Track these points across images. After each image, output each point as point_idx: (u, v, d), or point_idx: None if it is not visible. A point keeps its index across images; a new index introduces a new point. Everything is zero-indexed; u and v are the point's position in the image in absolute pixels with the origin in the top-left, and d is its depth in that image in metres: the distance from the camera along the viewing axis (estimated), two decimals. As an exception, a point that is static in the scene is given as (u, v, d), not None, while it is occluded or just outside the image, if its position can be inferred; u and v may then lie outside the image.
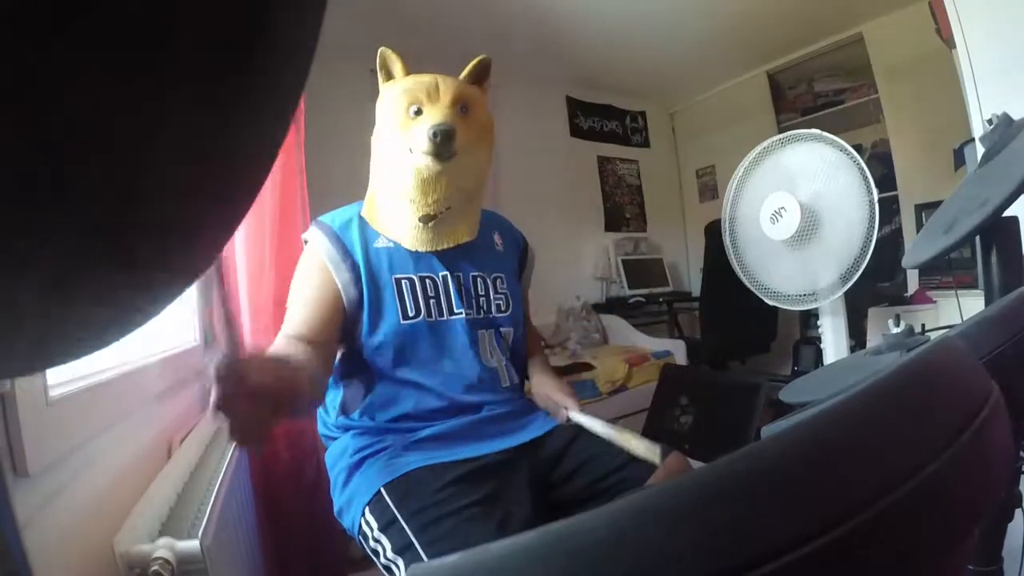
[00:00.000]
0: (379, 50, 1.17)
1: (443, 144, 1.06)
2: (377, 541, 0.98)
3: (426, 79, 1.14)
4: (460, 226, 1.21)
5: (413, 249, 1.18)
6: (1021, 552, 0.88)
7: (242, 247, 1.56)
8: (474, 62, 1.22)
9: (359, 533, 1.02)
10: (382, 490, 1.00)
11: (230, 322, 0.61)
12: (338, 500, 1.10)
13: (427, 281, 1.18)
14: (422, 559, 0.89)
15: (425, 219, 1.14)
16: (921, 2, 3.12)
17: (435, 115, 1.09)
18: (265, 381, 0.70)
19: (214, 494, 0.95)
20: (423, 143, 1.07)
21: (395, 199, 1.16)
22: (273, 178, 1.64)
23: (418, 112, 1.11)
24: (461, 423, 1.13)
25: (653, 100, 4.95)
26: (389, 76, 1.19)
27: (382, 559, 0.97)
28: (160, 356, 1.23)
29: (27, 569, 0.30)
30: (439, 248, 1.19)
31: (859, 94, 3.85)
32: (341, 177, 2.03)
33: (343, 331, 1.14)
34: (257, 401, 0.69)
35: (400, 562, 0.93)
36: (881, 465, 0.26)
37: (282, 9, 0.21)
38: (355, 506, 1.03)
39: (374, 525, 0.99)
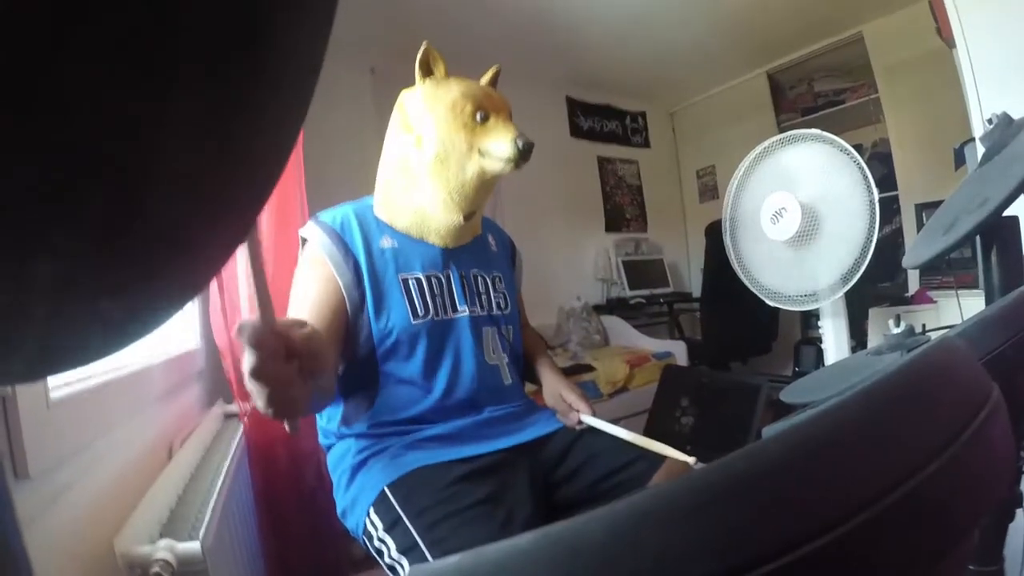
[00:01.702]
0: (423, 44, 1.18)
1: (527, 154, 1.14)
2: (382, 541, 0.98)
3: (475, 86, 1.20)
4: (477, 222, 1.29)
5: (443, 245, 1.22)
6: (1022, 552, 0.88)
7: (242, 252, 1.55)
8: (493, 71, 1.30)
9: (364, 533, 1.02)
10: (386, 489, 1.00)
11: (262, 290, 0.60)
12: (341, 501, 1.10)
13: (432, 280, 1.19)
14: (427, 559, 0.89)
15: (468, 216, 1.20)
16: (921, 2, 3.12)
17: (509, 125, 1.17)
18: (299, 342, 0.68)
19: (215, 495, 0.95)
20: (506, 150, 1.13)
21: (429, 194, 1.17)
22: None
23: (484, 119, 1.16)
24: (463, 423, 1.14)
25: (653, 100, 4.95)
26: (427, 72, 1.20)
27: (386, 559, 0.97)
28: (161, 358, 1.23)
29: (29, 571, 0.30)
30: (464, 243, 1.25)
31: (859, 94, 3.86)
32: (340, 176, 2.04)
33: (345, 336, 1.13)
34: (292, 366, 0.67)
35: (405, 562, 0.93)
36: (881, 465, 0.26)
37: (283, 9, 0.21)
38: (360, 506, 1.03)
39: (379, 525, 0.99)
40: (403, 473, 1.02)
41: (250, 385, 0.66)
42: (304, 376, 0.69)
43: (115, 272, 0.20)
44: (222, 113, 0.21)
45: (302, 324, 0.72)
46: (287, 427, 0.72)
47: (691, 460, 0.99)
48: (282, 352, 0.65)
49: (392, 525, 0.97)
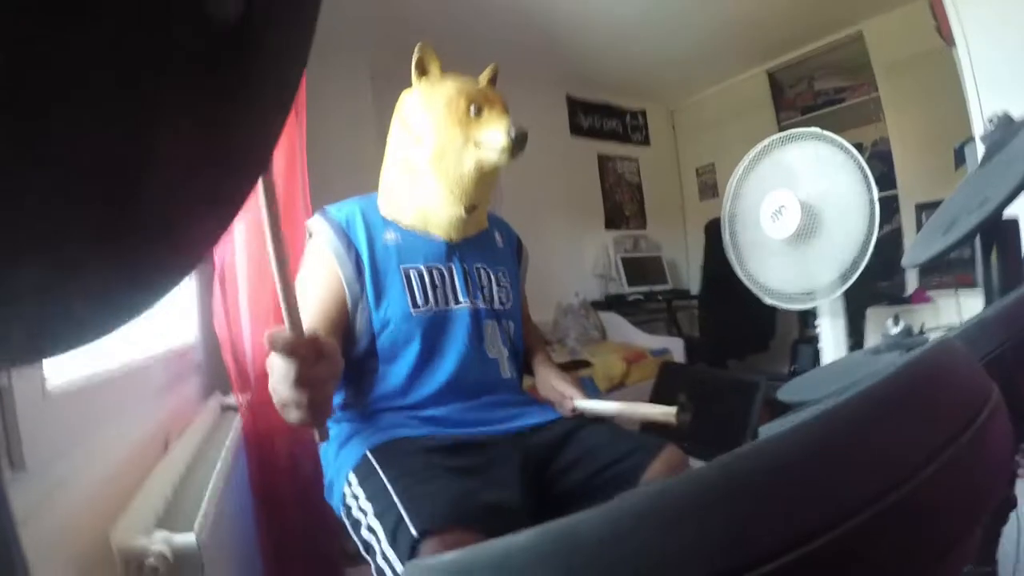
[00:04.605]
0: (418, 45, 1.22)
1: (521, 143, 1.16)
2: (355, 497, 0.97)
3: (469, 82, 1.23)
4: (482, 216, 1.31)
5: (447, 238, 1.24)
6: (1014, 553, 0.88)
7: (243, 245, 1.56)
8: (490, 69, 1.32)
9: (343, 504, 1.01)
10: (368, 453, 1.01)
11: (291, 300, 0.64)
12: (328, 474, 1.11)
13: (434, 271, 1.21)
14: (398, 509, 0.87)
15: (470, 209, 1.22)
16: (921, 0, 3.11)
17: (503, 117, 1.19)
18: (325, 346, 0.72)
19: (211, 488, 0.95)
20: (500, 140, 1.15)
21: (431, 190, 1.20)
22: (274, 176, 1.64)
23: (479, 112, 1.18)
24: (457, 407, 1.15)
25: (653, 98, 4.94)
26: (423, 72, 1.23)
27: (354, 513, 0.96)
28: (158, 352, 1.23)
29: (23, 563, 0.30)
30: (469, 235, 1.27)
31: (859, 93, 3.85)
32: (342, 174, 2.03)
33: (346, 327, 1.15)
34: (326, 371, 0.72)
35: (370, 509, 0.92)
36: (881, 466, 0.26)
37: (271, 5, 0.21)
38: (341, 475, 1.04)
39: (353, 481, 0.99)
40: (386, 439, 1.03)
41: (289, 394, 0.70)
42: (331, 378, 0.74)
43: (108, 258, 0.21)
44: (214, 106, 0.21)
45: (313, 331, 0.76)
46: (318, 435, 0.77)
47: (672, 411, 1.05)
48: (314, 357, 0.70)
49: (366, 478, 0.97)
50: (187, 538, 0.76)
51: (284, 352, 0.66)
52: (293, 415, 0.74)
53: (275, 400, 0.76)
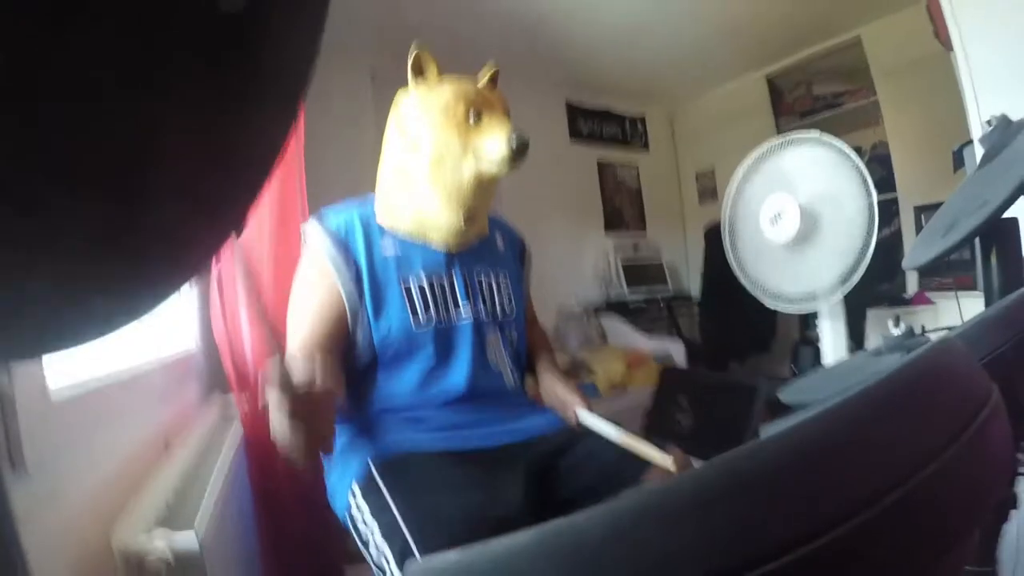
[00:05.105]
0: (414, 48, 1.17)
1: (522, 153, 1.12)
2: (359, 510, 0.97)
3: (468, 86, 1.18)
4: (482, 224, 1.27)
5: (447, 248, 1.20)
6: (1015, 552, 0.88)
7: (240, 251, 1.56)
8: (490, 71, 1.27)
9: (348, 515, 1.01)
10: (370, 463, 1.00)
11: (275, 338, 0.67)
12: (330, 482, 1.10)
13: (435, 284, 1.18)
14: (403, 533, 0.88)
15: (469, 219, 1.19)
16: (918, 5, 3.11)
17: (504, 124, 1.15)
18: (319, 384, 0.74)
19: (212, 489, 0.95)
20: (501, 148, 1.12)
21: (429, 198, 1.17)
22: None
23: (478, 118, 1.14)
24: (461, 418, 1.14)
25: (652, 103, 4.94)
26: (419, 74, 1.19)
27: (359, 526, 0.97)
28: (159, 357, 1.23)
29: (24, 562, 0.30)
30: (469, 245, 1.24)
31: (858, 97, 3.85)
32: (340, 177, 2.03)
33: (346, 342, 1.13)
34: (319, 405, 0.73)
35: (375, 526, 0.92)
36: (881, 465, 0.27)
37: (279, 10, 0.21)
38: (344, 484, 1.03)
39: (357, 494, 0.99)
40: (390, 452, 1.03)
41: (289, 432, 0.72)
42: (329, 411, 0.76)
43: (116, 258, 0.21)
44: (213, 104, 0.21)
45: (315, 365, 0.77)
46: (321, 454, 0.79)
47: (671, 465, 0.99)
48: (309, 394, 0.72)
49: (369, 492, 0.97)
50: (188, 538, 0.76)
51: (276, 389, 0.69)
52: (294, 454, 0.76)
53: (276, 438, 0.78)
